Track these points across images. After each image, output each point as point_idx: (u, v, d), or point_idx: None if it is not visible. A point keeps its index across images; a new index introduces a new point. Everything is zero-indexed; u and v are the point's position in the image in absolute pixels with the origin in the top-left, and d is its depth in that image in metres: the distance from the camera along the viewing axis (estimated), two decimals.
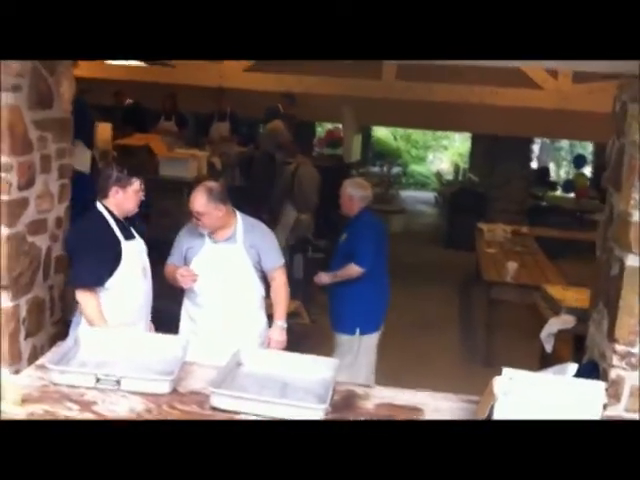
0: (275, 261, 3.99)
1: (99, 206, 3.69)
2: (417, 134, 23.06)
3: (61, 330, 3.94)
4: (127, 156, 6.97)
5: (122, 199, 3.68)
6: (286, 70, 9.61)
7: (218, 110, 9.69)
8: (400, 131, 22.46)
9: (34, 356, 3.63)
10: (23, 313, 3.58)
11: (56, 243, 3.85)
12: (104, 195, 3.69)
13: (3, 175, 3.34)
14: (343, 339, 5.00)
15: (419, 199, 18.32)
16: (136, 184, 3.70)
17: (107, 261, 3.62)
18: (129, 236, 3.74)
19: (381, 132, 21.86)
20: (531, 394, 2.81)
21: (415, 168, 22.67)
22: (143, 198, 3.77)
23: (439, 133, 22.74)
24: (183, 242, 3.98)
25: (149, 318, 3.91)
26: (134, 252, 3.73)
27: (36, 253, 3.66)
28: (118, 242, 3.66)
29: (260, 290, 4.04)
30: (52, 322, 3.90)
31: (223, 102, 9.66)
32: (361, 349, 5.00)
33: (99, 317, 3.60)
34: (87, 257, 3.57)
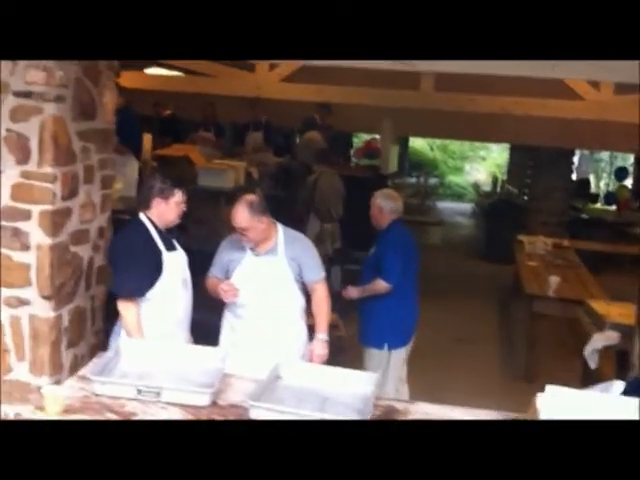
0: (316, 274, 3.96)
1: (141, 216, 3.71)
2: (454, 145, 23.00)
3: (102, 340, 3.96)
4: (167, 166, 7.02)
5: (164, 210, 3.69)
6: (323, 80, 9.60)
7: (253, 120, 9.72)
8: (437, 142, 22.42)
9: (75, 366, 3.65)
10: (65, 323, 3.62)
11: (98, 253, 3.88)
12: (146, 206, 3.70)
13: (47, 185, 3.38)
14: (372, 353, 4.94)
15: (456, 210, 18.20)
16: (178, 195, 3.71)
17: (148, 271, 3.63)
18: (170, 247, 3.75)
19: (417, 143, 21.81)
20: (576, 412, 2.72)
21: (452, 179, 22.60)
22: (185, 209, 3.79)
23: (477, 144, 22.64)
24: (224, 255, 3.96)
25: (189, 329, 3.92)
26: (175, 263, 3.75)
27: (78, 263, 3.70)
28: (159, 253, 3.67)
29: (301, 302, 4.00)
30: (93, 332, 3.93)
31: (259, 112, 9.68)
32: (390, 363, 4.95)
33: (137, 329, 3.61)
34: (129, 267, 3.58)
